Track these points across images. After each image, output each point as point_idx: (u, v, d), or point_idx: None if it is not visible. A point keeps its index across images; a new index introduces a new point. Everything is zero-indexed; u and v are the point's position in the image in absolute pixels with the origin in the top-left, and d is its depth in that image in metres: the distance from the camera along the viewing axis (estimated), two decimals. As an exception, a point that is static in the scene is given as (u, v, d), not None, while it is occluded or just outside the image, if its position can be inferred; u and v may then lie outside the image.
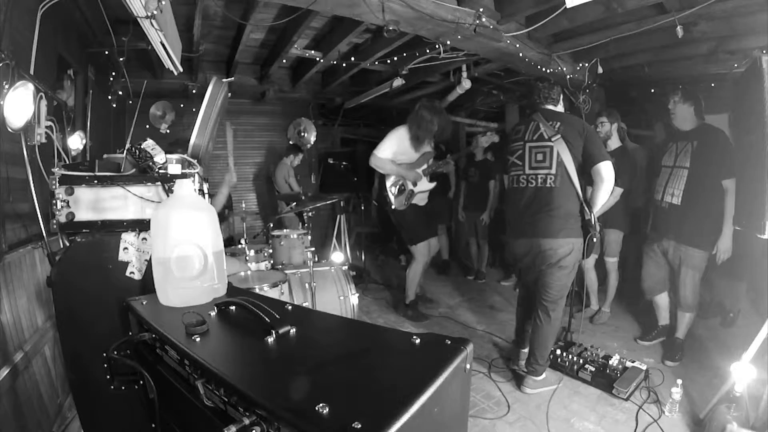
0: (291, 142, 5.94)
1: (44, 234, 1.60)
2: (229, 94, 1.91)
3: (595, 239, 2.33)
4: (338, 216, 4.71)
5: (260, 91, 5.11)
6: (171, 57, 2.42)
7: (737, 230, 2.45)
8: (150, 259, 1.44)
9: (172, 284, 1.23)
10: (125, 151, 1.52)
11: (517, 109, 5.65)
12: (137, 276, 1.49)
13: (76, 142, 2.39)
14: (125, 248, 1.47)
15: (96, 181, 1.43)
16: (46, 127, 1.79)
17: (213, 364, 0.83)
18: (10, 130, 1.52)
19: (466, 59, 3.80)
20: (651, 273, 2.88)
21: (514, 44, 3.05)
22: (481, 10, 2.63)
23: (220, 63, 4.51)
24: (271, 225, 3.89)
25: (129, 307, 1.21)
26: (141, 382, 1.23)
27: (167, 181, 1.48)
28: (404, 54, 3.69)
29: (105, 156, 1.64)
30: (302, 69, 4.74)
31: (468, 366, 0.85)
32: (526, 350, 2.62)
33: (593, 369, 2.52)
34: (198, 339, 0.95)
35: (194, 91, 4.44)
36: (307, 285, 2.78)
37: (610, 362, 2.55)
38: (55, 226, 1.42)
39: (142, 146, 1.50)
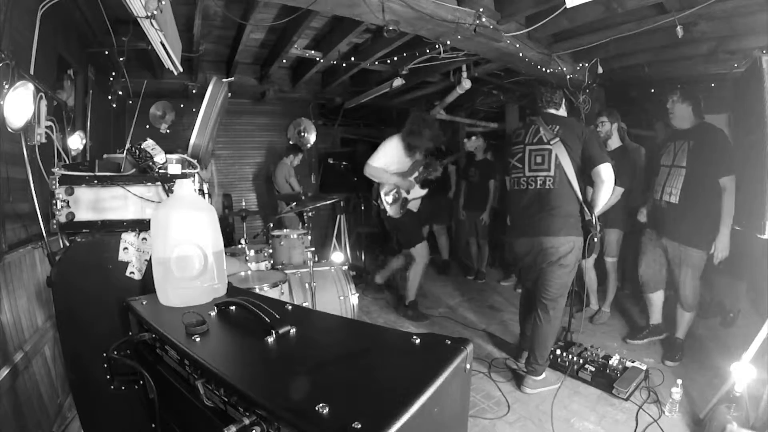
0: (291, 142, 5.94)
1: (44, 234, 1.60)
2: (229, 94, 1.91)
3: (596, 239, 2.36)
4: (338, 216, 4.71)
5: (260, 91, 5.11)
6: (171, 57, 2.42)
7: (737, 230, 2.45)
8: (150, 259, 1.44)
9: (172, 284, 1.23)
10: (125, 151, 1.52)
11: (517, 109, 5.65)
12: (137, 276, 1.49)
13: (76, 142, 2.39)
14: (125, 248, 1.47)
15: (96, 181, 1.43)
16: (46, 127, 1.79)
17: (213, 364, 0.83)
18: (10, 130, 1.52)
19: (466, 59, 3.80)
20: (648, 266, 2.87)
21: (514, 44, 3.05)
22: (481, 10, 2.63)
23: (220, 63, 4.51)
24: (271, 225, 3.89)
25: (129, 307, 1.21)
26: (141, 382, 1.23)
27: (167, 181, 1.48)
28: (404, 54, 3.69)
29: (105, 156, 1.64)
30: (302, 69, 4.74)
31: (468, 366, 0.85)
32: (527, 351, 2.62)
33: (593, 369, 2.52)
34: (198, 339, 0.95)
35: (194, 91, 4.44)
36: (307, 285, 2.78)
37: (610, 362, 2.55)
38: (55, 226, 1.42)
39: (142, 146, 1.50)
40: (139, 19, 1.95)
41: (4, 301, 1.65)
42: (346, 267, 3.13)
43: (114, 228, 1.46)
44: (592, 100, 3.95)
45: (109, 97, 3.66)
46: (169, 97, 4.93)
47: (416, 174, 3.56)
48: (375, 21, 2.55)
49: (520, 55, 3.19)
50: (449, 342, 0.87)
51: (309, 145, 6.10)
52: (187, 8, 2.88)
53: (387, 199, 3.50)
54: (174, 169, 1.49)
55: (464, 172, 4.98)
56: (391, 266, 4.15)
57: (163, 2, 1.95)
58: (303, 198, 3.93)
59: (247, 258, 2.69)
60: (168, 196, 1.48)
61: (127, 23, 2.37)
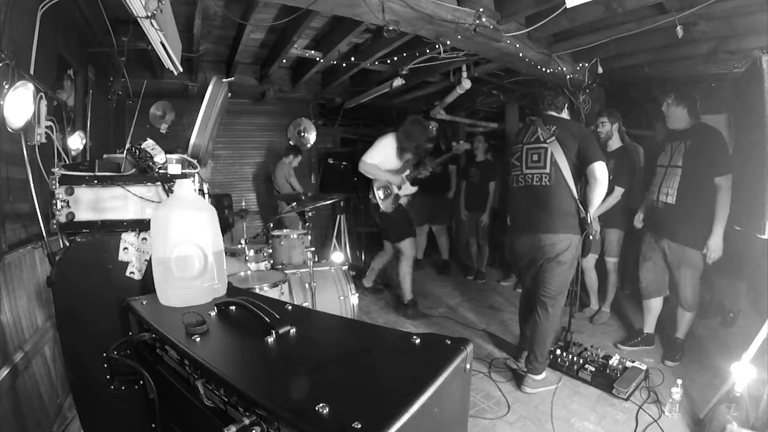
0: (291, 143, 5.94)
1: (44, 234, 1.60)
2: (229, 94, 1.91)
3: (591, 237, 2.40)
4: (338, 216, 4.71)
5: (260, 91, 5.10)
6: (171, 57, 2.42)
7: (737, 230, 2.44)
8: (150, 259, 1.44)
9: (172, 284, 1.23)
10: (125, 151, 1.52)
11: (517, 109, 5.64)
12: (137, 276, 1.49)
13: (76, 142, 2.39)
14: (125, 248, 1.47)
15: (96, 181, 1.43)
16: (46, 127, 1.79)
17: (213, 364, 0.83)
18: (10, 130, 1.52)
19: (466, 59, 3.80)
20: (649, 273, 2.88)
21: (514, 44, 3.05)
22: (481, 10, 2.63)
23: (220, 63, 4.51)
24: (271, 225, 3.89)
25: (129, 307, 1.21)
26: (141, 382, 1.23)
27: (167, 181, 1.48)
28: (404, 54, 3.69)
29: (105, 156, 1.64)
30: (302, 69, 4.73)
31: (468, 366, 0.85)
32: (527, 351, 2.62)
33: (593, 369, 2.52)
34: (198, 339, 0.95)
35: (194, 91, 4.44)
36: (307, 285, 2.78)
37: (610, 362, 2.55)
38: (55, 226, 1.42)
39: (142, 146, 1.50)
40: (139, 19, 1.95)
41: (4, 301, 1.65)
42: (346, 267, 3.14)
43: (114, 228, 1.46)
44: (592, 100, 3.95)
45: (109, 97, 3.66)
46: (169, 97, 4.93)
47: (407, 172, 3.70)
48: (375, 21, 2.55)
49: (520, 55, 3.19)
50: (449, 342, 0.87)
51: (309, 145, 6.09)
52: (187, 8, 2.88)
53: (379, 194, 3.64)
54: (174, 169, 1.49)
55: (465, 173, 4.98)
56: (375, 267, 4.22)
57: (163, 2, 1.95)
58: (303, 198, 3.94)
59: (247, 258, 2.69)
60: (168, 196, 1.48)
61: (127, 23, 2.37)
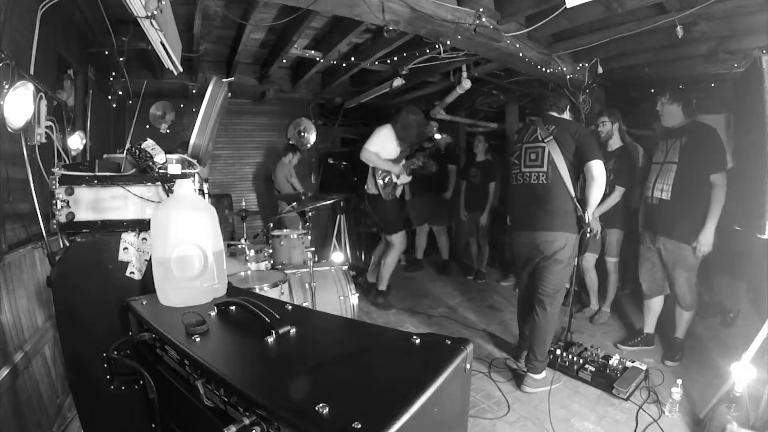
0: (291, 142, 5.94)
1: (44, 234, 1.60)
2: (229, 94, 1.91)
3: (588, 236, 2.41)
4: (338, 216, 4.71)
5: (260, 91, 5.10)
6: (171, 57, 2.42)
7: (737, 230, 2.45)
8: (150, 259, 1.44)
9: (172, 284, 1.23)
10: (125, 151, 1.52)
11: (517, 109, 5.64)
12: (137, 276, 1.49)
13: (76, 142, 2.39)
14: (125, 248, 1.47)
15: (96, 181, 1.43)
16: (46, 127, 1.79)
17: (213, 364, 0.83)
18: (10, 130, 1.52)
19: (466, 59, 3.80)
20: (648, 274, 2.88)
21: (514, 44, 3.05)
22: (481, 10, 2.63)
23: (220, 63, 4.50)
24: (271, 225, 3.89)
25: (129, 307, 1.21)
26: (141, 382, 1.23)
27: (167, 181, 1.48)
28: (404, 54, 3.69)
29: (105, 156, 1.64)
30: (302, 69, 4.73)
31: (468, 366, 0.85)
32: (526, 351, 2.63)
33: (593, 369, 2.52)
34: (198, 339, 0.95)
35: (194, 91, 4.43)
36: (307, 285, 2.78)
37: (610, 362, 2.55)
38: (55, 226, 1.42)
39: (142, 146, 1.50)
40: (139, 19, 1.95)
41: (4, 301, 1.65)
42: (346, 267, 3.14)
43: (114, 228, 1.46)
44: (592, 100, 3.95)
45: (109, 97, 3.66)
46: (169, 97, 4.92)
47: (403, 162, 3.83)
48: (375, 21, 2.55)
49: (520, 55, 3.19)
50: (449, 342, 0.87)
51: (309, 145, 6.10)
52: (187, 8, 2.88)
53: (380, 183, 3.74)
54: (174, 169, 1.49)
55: (465, 173, 4.98)
56: (374, 261, 4.28)
57: (163, 2, 1.95)
58: (303, 198, 3.94)
59: (247, 258, 2.69)
60: (168, 196, 1.48)
61: (127, 23, 2.37)
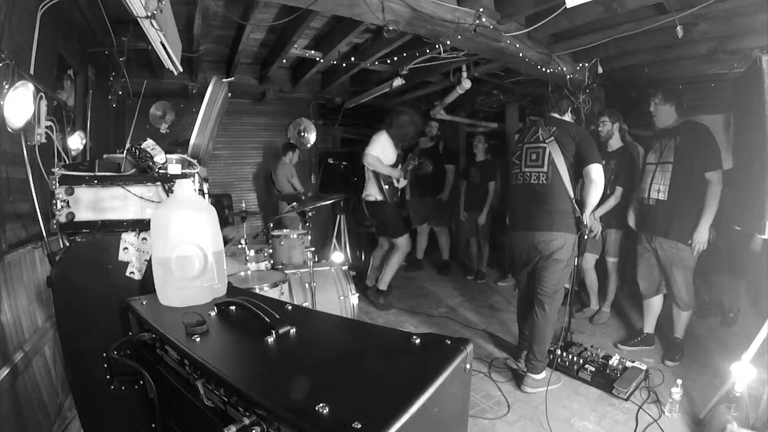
0: (291, 142, 5.94)
1: (44, 234, 1.60)
2: (229, 94, 1.91)
3: (585, 237, 2.43)
4: (338, 216, 4.71)
5: (260, 91, 5.10)
6: (171, 57, 2.41)
7: (737, 230, 2.45)
8: (150, 259, 1.44)
9: (172, 284, 1.23)
10: (125, 151, 1.52)
11: (517, 109, 5.64)
12: (137, 276, 1.49)
13: (76, 142, 2.39)
14: (125, 248, 1.47)
15: (96, 181, 1.43)
16: (46, 127, 1.79)
17: (213, 364, 0.83)
18: (10, 130, 1.52)
19: (466, 59, 3.80)
20: (645, 273, 2.88)
21: (514, 44, 3.05)
22: (481, 10, 2.63)
23: (220, 63, 4.50)
24: (271, 225, 3.89)
25: (129, 307, 1.21)
26: (141, 382, 1.22)
27: (167, 181, 1.48)
28: (404, 54, 3.69)
29: (105, 156, 1.63)
30: (302, 69, 4.73)
31: (468, 366, 0.84)
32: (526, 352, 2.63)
33: (593, 369, 2.52)
34: (198, 339, 0.95)
35: (194, 91, 4.43)
36: (307, 285, 2.78)
37: (610, 362, 2.55)
38: (55, 226, 1.42)
39: (142, 146, 1.50)
40: (139, 19, 1.94)
41: (4, 301, 1.65)
42: (346, 267, 3.14)
43: (114, 228, 1.46)
44: (592, 100, 3.96)
45: (109, 97, 3.66)
46: (169, 97, 4.92)
47: (401, 165, 3.88)
48: (375, 21, 2.55)
49: (520, 55, 3.19)
50: (449, 342, 0.87)
51: (309, 145, 6.09)
52: (187, 8, 2.88)
53: (385, 188, 3.78)
54: (174, 169, 1.49)
55: (465, 173, 4.98)
56: (375, 265, 4.28)
57: (163, 2, 1.95)
58: (303, 198, 3.94)
59: (247, 258, 2.69)
60: (168, 196, 1.48)
61: (127, 23, 2.37)
